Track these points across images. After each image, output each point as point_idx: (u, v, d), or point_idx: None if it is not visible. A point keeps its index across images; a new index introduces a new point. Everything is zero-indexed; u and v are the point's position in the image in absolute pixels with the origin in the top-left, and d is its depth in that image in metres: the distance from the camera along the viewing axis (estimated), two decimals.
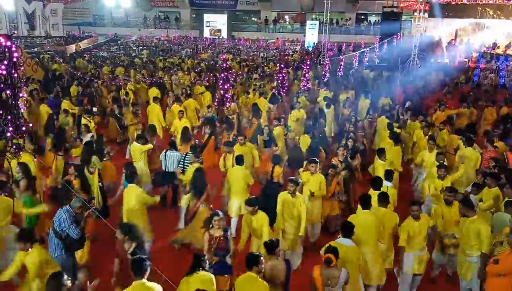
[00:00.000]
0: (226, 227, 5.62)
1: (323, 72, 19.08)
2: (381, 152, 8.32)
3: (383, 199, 6.01)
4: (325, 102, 12.84)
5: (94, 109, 11.84)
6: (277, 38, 38.05)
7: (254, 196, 6.38)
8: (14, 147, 6.83)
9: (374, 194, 6.29)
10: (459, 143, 9.62)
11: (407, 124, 11.31)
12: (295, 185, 6.38)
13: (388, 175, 7.23)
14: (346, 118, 11.69)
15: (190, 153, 8.47)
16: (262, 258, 4.49)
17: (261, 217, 5.76)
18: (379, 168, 8.10)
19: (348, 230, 5.16)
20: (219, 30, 40.19)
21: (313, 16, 39.77)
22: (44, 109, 11.87)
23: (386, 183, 7.01)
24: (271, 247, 4.84)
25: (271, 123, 11.55)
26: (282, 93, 15.55)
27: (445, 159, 8.28)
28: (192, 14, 42.57)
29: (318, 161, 7.36)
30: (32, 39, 30.06)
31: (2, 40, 6.66)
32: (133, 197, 6.39)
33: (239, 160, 7.57)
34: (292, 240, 6.45)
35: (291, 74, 20.36)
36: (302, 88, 16.74)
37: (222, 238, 5.39)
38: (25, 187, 6.23)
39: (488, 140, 9.14)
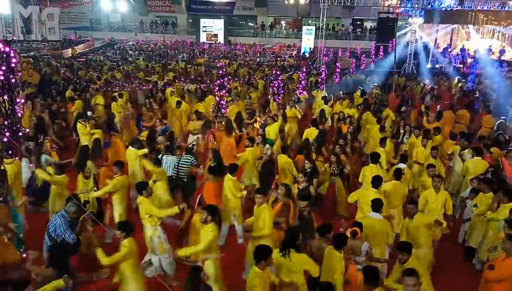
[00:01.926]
0: None
1: (320, 79, 19.15)
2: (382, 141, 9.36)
3: (397, 174, 7.42)
4: (323, 101, 14.33)
5: (89, 113, 11.84)
6: (276, 44, 38.20)
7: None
8: (10, 151, 6.81)
9: (372, 167, 7.89)
10: (454, 148, 9.72)
11: (407, 142, 10.51)
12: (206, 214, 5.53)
13: (403, 157, 8.66)
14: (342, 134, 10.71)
15: (185, 156, 8.53)
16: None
17: None
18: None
19: (377, 205, 5.99)
20: (216, 35, 40.26)
21: (309, 22, 39.95)
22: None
23: (401, 165, 8.23)
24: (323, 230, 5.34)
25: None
26: (278, 100, 15.60)
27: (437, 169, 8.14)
28: (189, 19, 42.64)
29: (267, 191, 6.35)
30: (28, 43, 30.01)
31: (1, 45, 6.66)
32: (227, 187, 7.23)
33: (283, 150, 8.78)
34: None
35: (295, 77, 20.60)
36: (298, 95, 16.82)
37: None
38: None
39: (484, 146, 9.22)
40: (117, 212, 7.27)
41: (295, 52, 36.10)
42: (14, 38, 27.48)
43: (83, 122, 10.77)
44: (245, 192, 7.47)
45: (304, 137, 10.60)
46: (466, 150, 9.24)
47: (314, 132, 10.58)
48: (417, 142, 9.86)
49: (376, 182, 6.90)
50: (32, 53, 27.48)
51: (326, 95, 15.83)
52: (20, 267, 5.13)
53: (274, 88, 15.92)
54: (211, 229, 5.37)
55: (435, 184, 7.03)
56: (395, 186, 7.31)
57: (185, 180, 8.40)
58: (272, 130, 10.52)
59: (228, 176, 7.30)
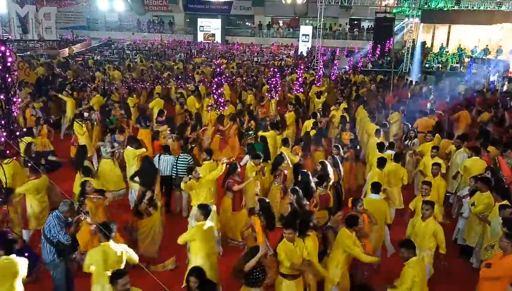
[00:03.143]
0: None
1: (317, 77, 19.17)
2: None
3: (397, 157, 8.48)
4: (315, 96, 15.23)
5: (86, 114, 11.81)
6: (273, 44, 38.19)
7: None
8: (8, 151, 6.77)
9: (378, 155, 8.46)
10: (451, 148, 9.75)
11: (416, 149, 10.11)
12: None
13: (390, 144, 9.57)
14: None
15: (182, 155, 8.54)
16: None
17: None
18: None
19: (377, 187, 6.82)
20: (213, 35, 40.21)
21: (307, 21, 39.95)
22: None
23: (389, 151, 9.00)
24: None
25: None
26: (275, 97, 15.58)
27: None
28: (186, 19, 42.58)
29: (207, 208, 5.87)
30: (25, 43, 29.91)
31: None
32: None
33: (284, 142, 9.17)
34: None
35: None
36: (295, 91, 16.86)
37: None
38: None
39: (481, 145, 9.25)
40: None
41: (292, 51, 36.11)
42: (10, 37, 27.36)
43: (79, 123, 10.74)
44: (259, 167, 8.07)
45: (303, 128, 11.29)
46: (462, 149, 9.30)
47: (311, 124, 11.28)
48: (427, 150, 9.36)
49: (381, 162, 7.99)
50: (28, 52, 27.34)
51: (321, 91, 16.33)
52: None
53: (272, 85, 15.88)
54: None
55: (424, 211, 6.12)
56: (395, 167, 8.30)
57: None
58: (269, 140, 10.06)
59: (250, 163, 8.04)
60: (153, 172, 7.90)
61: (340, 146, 9.24)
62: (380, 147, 9.04)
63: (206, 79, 19.52)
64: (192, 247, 5.65)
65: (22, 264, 4.65)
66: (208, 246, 5.63)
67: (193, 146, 9.67)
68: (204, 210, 5.71)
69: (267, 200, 6.44)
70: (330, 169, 7.84)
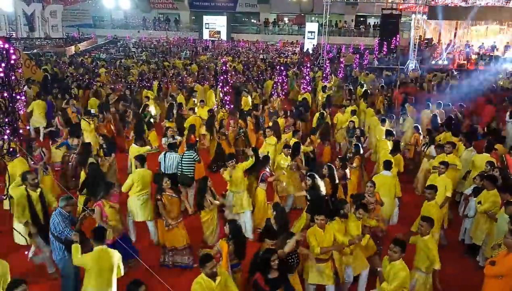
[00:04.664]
0: None
1: (325, 75, 19.04)
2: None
3: (395, 147, 9.38)
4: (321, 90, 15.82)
5: (93, 111, 11.83)
6: (279, 41, 38.12)
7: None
8: (11, 149, 6.79)
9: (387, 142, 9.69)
10: (458, 145, 9.64)
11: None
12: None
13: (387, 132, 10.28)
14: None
15: (187, 152, 8.51)
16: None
17: None
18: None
19: (388, 165, 7.76)
20: (219, 32, 40.19)
21: (312, 18, 39.80)
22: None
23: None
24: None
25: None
26: (282, 96, 15.53)
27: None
28: (192, 16, 42.61)
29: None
30: (32, 41, 30.08)
31: (0, 42, 6.61)
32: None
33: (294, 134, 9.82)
34: None
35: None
36: (303, 90, 16.74)
37: None
38: None
39: (489, 142, 9.14)
40: None
41: (298, 48, 35.98)
42: (13, 35, 27.48)
43: (87, 120, 10.75)
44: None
45: (315, 120, 12.13)
46: (471, 148, 9.20)
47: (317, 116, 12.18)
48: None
49: (395, 147, 9.20)
50: (35, 50, 27.48)
51: (326, 86, 16.76)
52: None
53: (278, 83, 15.78)
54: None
55: (391, 252, 4.92)
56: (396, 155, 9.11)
57: (190, 175, 8.41)
58: (270, 148, 9.64)
59: (281, 155, 8.58)
60: (100, 179, 7.04)
61: (333, 166, 7.65)
62: (389, 133, 10.03)
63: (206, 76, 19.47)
64: (85, 275, 4.91)
65: (116, 255, 4.93)
66: (100, 276, 4.83)
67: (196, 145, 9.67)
68: (99, 235, 4.98)
69: (238, 223, 5.72)
70: (320, 182, 6.93)
